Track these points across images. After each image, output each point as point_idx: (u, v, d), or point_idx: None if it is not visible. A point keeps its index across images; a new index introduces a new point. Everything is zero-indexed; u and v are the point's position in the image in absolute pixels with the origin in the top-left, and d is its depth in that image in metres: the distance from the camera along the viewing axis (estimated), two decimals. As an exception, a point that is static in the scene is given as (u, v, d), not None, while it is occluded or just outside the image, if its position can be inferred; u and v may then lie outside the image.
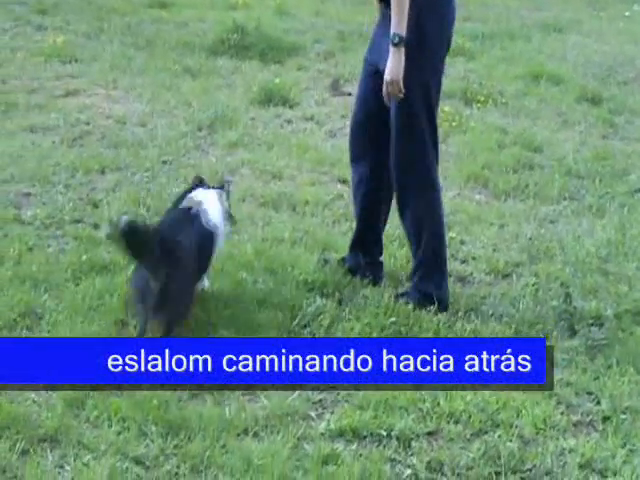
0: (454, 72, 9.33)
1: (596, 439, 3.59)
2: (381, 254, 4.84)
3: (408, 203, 4.53)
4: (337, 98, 8.14)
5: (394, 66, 4.21)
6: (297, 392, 3.73)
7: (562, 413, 3.75)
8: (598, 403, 3.84)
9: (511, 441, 3.53)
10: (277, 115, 7.50)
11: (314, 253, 4.96)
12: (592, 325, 4.44)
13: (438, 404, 3.72)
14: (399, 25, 4.17)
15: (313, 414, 3.65)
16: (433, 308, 4.44)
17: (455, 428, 3.60)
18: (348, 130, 4.88)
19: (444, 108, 7.78)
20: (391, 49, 4.20)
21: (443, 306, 4.47)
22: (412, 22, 4.20)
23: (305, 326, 4.24)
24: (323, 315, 4.30)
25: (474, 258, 5.16)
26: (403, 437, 3.53)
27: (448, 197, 5.99)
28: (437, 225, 4.55)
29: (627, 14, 13.96)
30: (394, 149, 4.48)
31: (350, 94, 8.21)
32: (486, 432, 3.59)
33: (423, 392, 3.77)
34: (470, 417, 3.65)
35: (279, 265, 4.75)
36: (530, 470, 3.42)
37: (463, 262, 5.13)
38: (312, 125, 7.36)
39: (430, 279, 4.52)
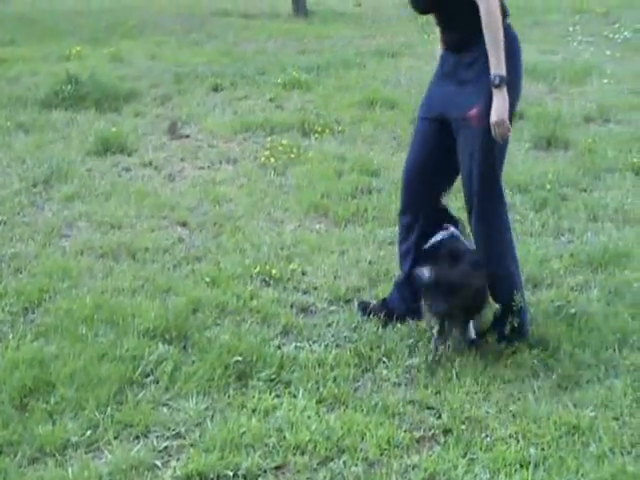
0: (291, 105, 9.51)
1: (438, 452, 3.67)
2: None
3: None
4: (175, 141, 8.15)
5: (499, 106, 4.28)
6: (141, 442, 3.70)
7: (405, 431, 3.82)
8: (439, 417, 3.93)
9: (357, 465, 3.58)
10: (115, 164, 7.45)
11: (155, 300, 4.93)
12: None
13: (284, 437, 3.74)
14: (498, 66, 4.25)
15: (159, 463, 3.60)
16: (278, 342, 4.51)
17: (302, 459, 3.62)
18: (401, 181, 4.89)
19: (282, 141, 7.92)
20: (494, 90, 4.26)
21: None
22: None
23: (148, 375, 4.20)
24: (166, 362, 4.27)
25: (316, 288, 5.22)
26: (250, 475, 3.52)
27: (289, 229, 6.09)
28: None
29: (456, 35, 14.43)
30: (478, 185, 4.51)
31: (188, 136, 8.28)
32: (332, 459, 3.62)
33: (269, 427, 3.79)
34: (316, 446, 3.68)
35: (120, 316, 4.70)
36: (376, 492, 3.48)
37: (305, 293, 5.18)
38: (150, 171, 7.34)
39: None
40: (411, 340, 4.56)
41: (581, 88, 10.50)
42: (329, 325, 4.79)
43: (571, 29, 15.26)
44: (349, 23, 16.04)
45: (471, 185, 4.54)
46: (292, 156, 7.59)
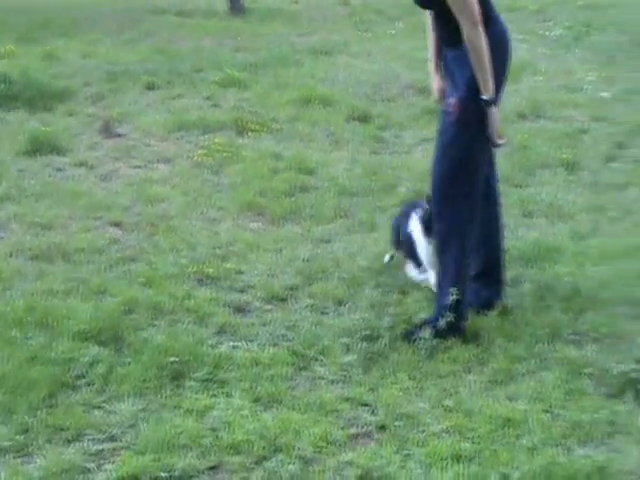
0: (227, 103, 9.48)
1: (373, 449, 3.68)
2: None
3: None
4: (109, 140, 8.07)
5: (491, 124, 4.48)
6: (74, 446, 3.65)
7: (341, 428, 3.82)
8: (374, 414, 3.94)
9: (292, 463, 3.57)
10: (47, 164, 7.35)
11: (89, 301, 4.88)
12: (368, 338, 4.57)
13: (219, 437, 3.72)
14: (486, 89, 4.41)
15: (92, 466, 3.55)
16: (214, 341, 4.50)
17: (237, 459, 3.60)
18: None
19: (217, 140, 7.89)
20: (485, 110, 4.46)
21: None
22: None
23: (81, 377, 4.15)
24: (100, 363, 4.23)
25: (251, 286, 5.21)
26: (184, 476, 3.49)
27: (224, 228, 6.07)
28: None
29: (392, 32, 14.53)
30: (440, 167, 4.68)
31: (123, 135, 8.20)
32: (267, 458, 3.61)
33: (204, 427, 3.77)
34: (251, 446, 3.66)
35: (53, 318, 4.64)
36: (311, 489, 3.48)
37: (241, 292, 5.16)
38: (84, 171, 7.26)
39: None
40: (347, 338, 4.57)
41: (515, 85, 10.57)
42: (265, 324, 4.78)
43: (505, 26, 15.36)
44: (286, 21, 15.99)
45: (435, 170, 4.67)
46: (228, 155, 7.57)
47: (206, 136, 8.21)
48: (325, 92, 9.86)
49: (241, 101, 9.55)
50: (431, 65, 4.98)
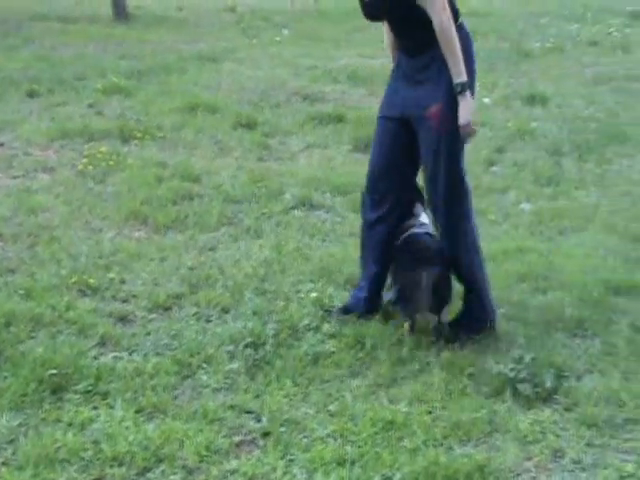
0: (111, 111, 9.35)
1: (258, 456, 3.68)
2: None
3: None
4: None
5: (464, 110, 4.52)
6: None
7: (225, 436, 3.81)
8: (259, 420, 3.94)
9: (175, 473, 3.55)
10: None
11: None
12: (253, 345, 4.56)
13: (101, 450, 3.66)
14: (459, 74, 4.48)
15: (-33, 484, 3.47)
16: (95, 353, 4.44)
17: (119, 471, 3.55)
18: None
19: (101, 148, 7.77)
20: (458, 97, 4.49)
21: None
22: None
23: (-44, 392, 4.04)
24: (-25, 378, 4.12)
25: (135, 296, 5.14)
26: (65, 490, 3.45)
27: (107, 238, 5.98)
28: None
29: (278, 39, 14.59)
30: (444, 187, 4.69)
31: (2, 144, 8.01)
32: (150, 469, 3.57)
33: (85, 440, 3.71)
34: (134, 457, 3.62)
35: None
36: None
37: (124, 301, 5.09)
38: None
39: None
40: (231, 345, 4.55)
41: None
42: (148, 334, 4.72)
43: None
44: (171, 27, 15.89)
45: (436, 185, 4.71)
46: (111, 163, 7.46)
47: (90, 144, 8.07)
48: (211, 99, 9.84)
49: (126, 109, 9.43)
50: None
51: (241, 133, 8.71)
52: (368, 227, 4.96)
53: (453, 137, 4.61)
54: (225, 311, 4.97)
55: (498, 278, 5.30)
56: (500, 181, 7.49)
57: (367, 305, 4.90)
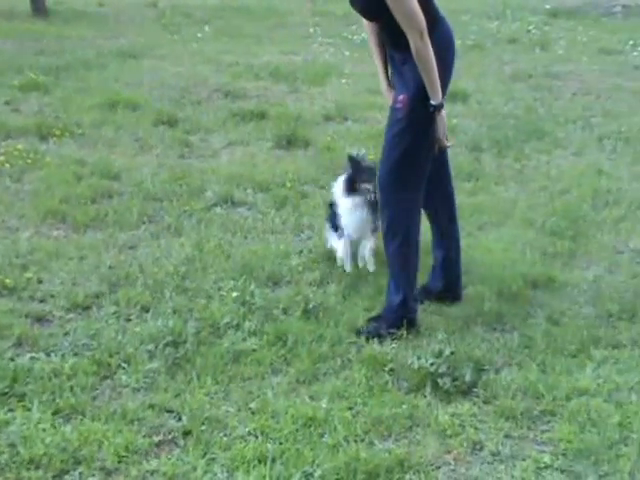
0: (27, 108, 9.19)
1: (178, 455, 3.64)
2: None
3: None
4: None
5: (440, 128, 4.66)
6: None
7: (144, 436, 3.76)
8: (179, 419, 3.90)
9: (93, 475, 3.50)
10: None
11: None
12: (173, 343, 4.51)
13: (17, 453, 3.59)
14: (434, 95, 4.55)
15: None
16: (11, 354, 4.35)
17: (36, 474, 3.48)
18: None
19: (18, 146, 7.63)
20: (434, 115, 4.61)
21: None
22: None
23: None
24: None
25: (53, 295, 5.05)
26: (-21, 495, 3.37)
27: (24, 237, 5.87)
28: None
29: (199, 35, 14.49)
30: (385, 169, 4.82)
31: None
32: (67, 472, 3.52)
33: (1, 443, 3.64)
34: (51, 459, 3.56)
35: None
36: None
37: (42, 301, 5.00)
38: None
39: None
40: (151, 344, 4.50)
41: (321, 88, 10.78)
42: (66, 334, 4.64)
43: (312, 30, 15.65)
44: (91, 23, 15.68)
45: (382, 162, 4.79)
46: (29, 161, 7.33)
47: (7, 142, 7.93)
48: (131, 96, 9.74)
49: (43, 106, 9.29)
50: (383, 86, 5.08)
51: (162, 130, 8.63)
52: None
53: (413, 125, 4.66)
54: (145, 310, 4.91)
55: (419, 271, 5.34)
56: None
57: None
